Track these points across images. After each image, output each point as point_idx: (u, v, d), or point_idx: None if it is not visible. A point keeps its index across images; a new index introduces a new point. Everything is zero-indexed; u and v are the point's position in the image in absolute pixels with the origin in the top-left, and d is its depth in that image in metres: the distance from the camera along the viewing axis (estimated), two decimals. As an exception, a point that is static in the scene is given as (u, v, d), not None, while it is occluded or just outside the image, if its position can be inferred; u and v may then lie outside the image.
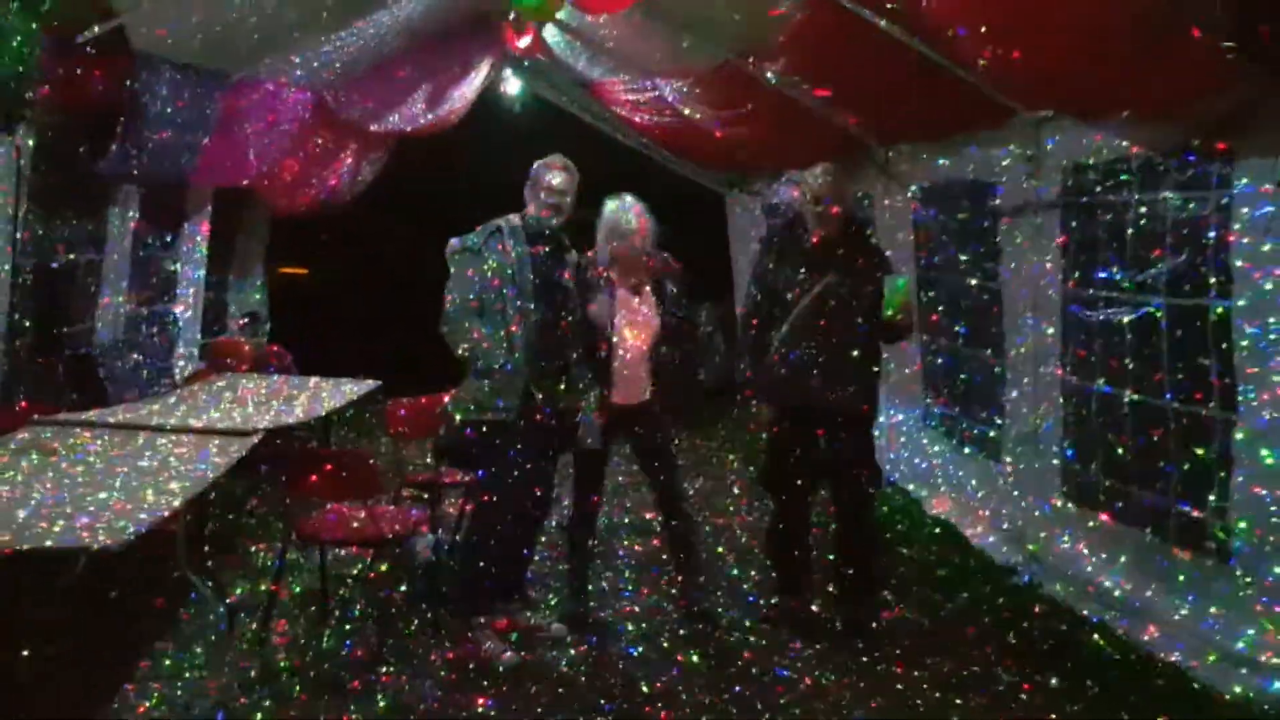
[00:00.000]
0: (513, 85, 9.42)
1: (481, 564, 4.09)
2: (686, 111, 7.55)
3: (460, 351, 4.08)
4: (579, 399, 4.25)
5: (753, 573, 5.25)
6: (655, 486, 4.65)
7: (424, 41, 7.35)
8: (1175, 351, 4.00)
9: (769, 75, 6.06)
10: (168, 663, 3.93)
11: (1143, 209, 4.24)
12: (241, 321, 7.84)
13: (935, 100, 5.16)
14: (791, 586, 4.67)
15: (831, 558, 4.62)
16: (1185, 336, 3.94)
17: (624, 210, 4.47)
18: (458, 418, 4.09)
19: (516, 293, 4.07)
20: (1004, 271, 5.30)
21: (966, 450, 5.78)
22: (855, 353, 4.35)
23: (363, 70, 7.18)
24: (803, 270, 4.41)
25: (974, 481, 5.58)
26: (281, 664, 3.96)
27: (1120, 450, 4.34)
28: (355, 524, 4.20)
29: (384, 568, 4.76)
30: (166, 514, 3.19)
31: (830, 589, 4.69)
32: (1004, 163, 5.21)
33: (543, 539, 4.90)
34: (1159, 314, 4.07)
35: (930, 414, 6.33)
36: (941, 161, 5.92)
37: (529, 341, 4.07)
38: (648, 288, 4.52)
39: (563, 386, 4.20)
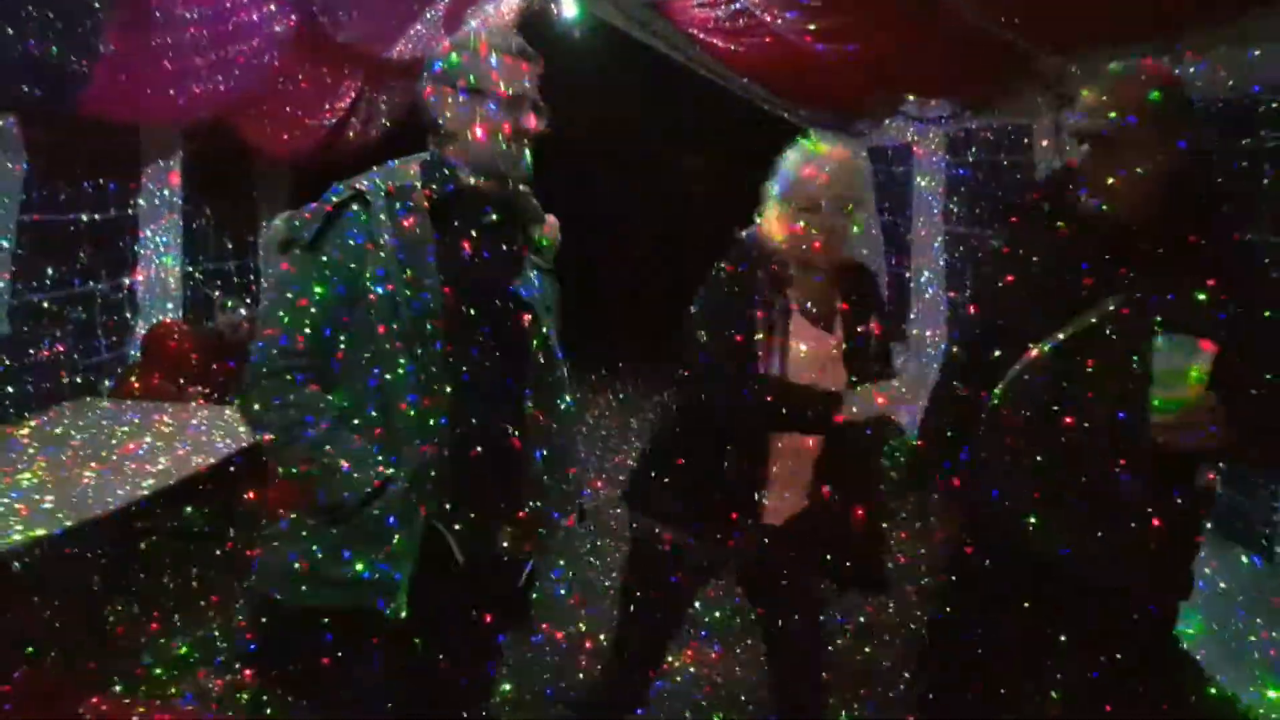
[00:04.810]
0: (568, 7, 7.03)
1: None
2: (776, 23, 5.15)
3: (272, 455, 1.83)
4: (547, 538, 1.99)
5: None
6: (775, 669, 2.42)
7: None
8: None
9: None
10: None
11: None
12: (218, 295, 5.71)
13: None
14: None
15: None
16: None
17: (823, 163, 2.21)
18: (274, 597, 1.84)
19: (407, 322, 1.81)
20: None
21: (1236, 550, 3.31)
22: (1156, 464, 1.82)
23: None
24: (1065, 286, 1.94)
25: (1244, 599, 3.12)
26: None
27: None
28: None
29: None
30: None
31: None
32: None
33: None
34: None
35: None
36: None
37: (436, 430, 1.82)
38: (838, 312, 2.30)
39: (512, 519, 1.94)
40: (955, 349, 2.32)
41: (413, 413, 1.79)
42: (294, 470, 1.78)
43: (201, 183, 6.00)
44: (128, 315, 5.33)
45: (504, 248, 1.98)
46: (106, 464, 3.15)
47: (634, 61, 7.59)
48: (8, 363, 4.27)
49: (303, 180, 7.49)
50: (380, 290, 1.79)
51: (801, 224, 2.22)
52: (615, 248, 9.94)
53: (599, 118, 8.90)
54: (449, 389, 1.82)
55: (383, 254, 1.80)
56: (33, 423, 3.77)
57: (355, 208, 1.85)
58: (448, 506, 1.84)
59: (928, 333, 5.67)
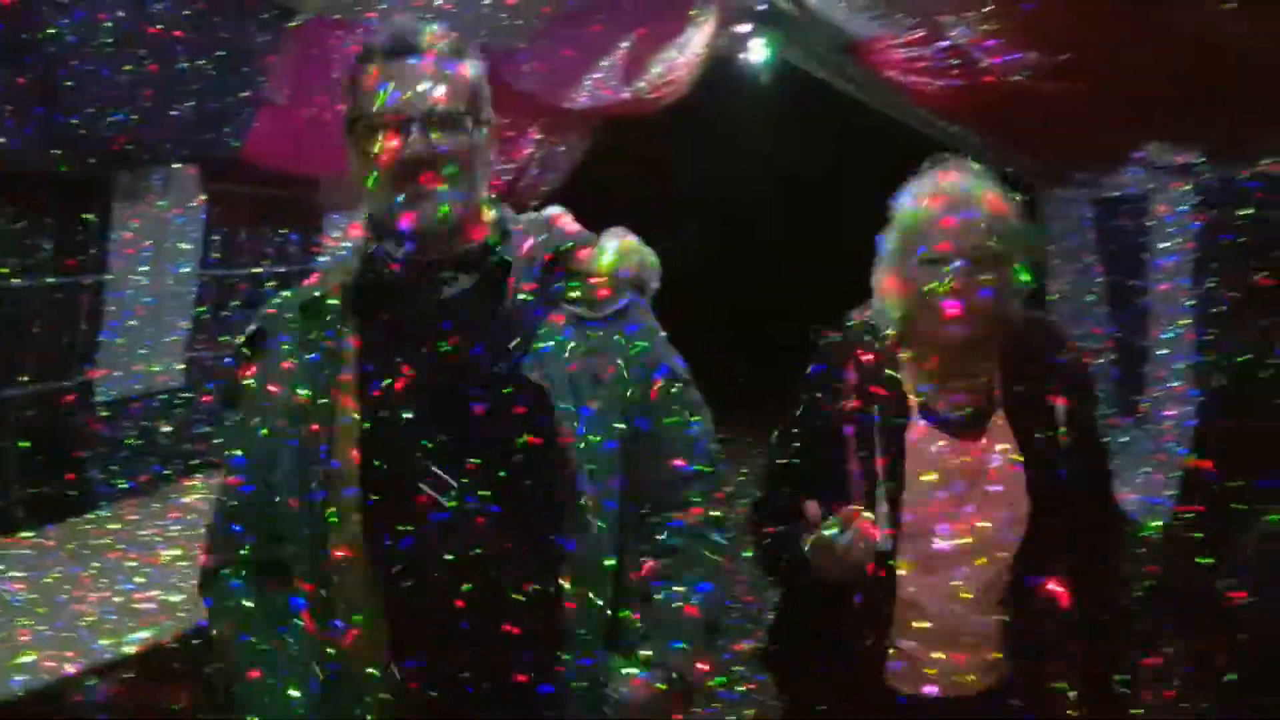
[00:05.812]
0: (757, 51, 6.65)
1: None
2: (992, 63, 4.59)
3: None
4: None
5: None
6: None
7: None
8: None
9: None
10: None
11: None
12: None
13: None
14: None
15: None
16: None
17: (955, 200, 1.63)
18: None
19: (324, 478, 1.37)
20: None
21: None
22: None
23: (535, 25, 4.82)
24: None
25: None
26: None
27: None
28: None
29: None
30: None
31: None
32: None
33: None
34: None
35: None
36: None
37: (395, 620, 1.37)
38: (1000, 417, 1.67)
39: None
40: (1210, 435, 1.75)
41: (352, 599, 1.35)
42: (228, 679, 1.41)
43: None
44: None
45: (481, 319, 1.43)
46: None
47: (828, 107, 7.12)
48: (182, 416, 4.23)
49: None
50: (294, 444, 1.38)
51: (928, 286, 1.61)
52: (804, 298, 9.49)
53: (791, 166, 8.48)
54: (406, 553, 1.35)
55: (283, 399, 1.41)
56: (183, 484, 3.67)
57: (250, 351, 1.47)
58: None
59: (1167, 413, 4.88)
